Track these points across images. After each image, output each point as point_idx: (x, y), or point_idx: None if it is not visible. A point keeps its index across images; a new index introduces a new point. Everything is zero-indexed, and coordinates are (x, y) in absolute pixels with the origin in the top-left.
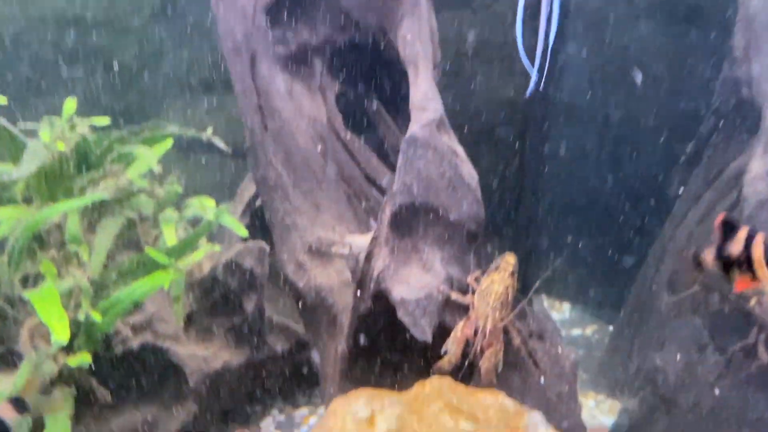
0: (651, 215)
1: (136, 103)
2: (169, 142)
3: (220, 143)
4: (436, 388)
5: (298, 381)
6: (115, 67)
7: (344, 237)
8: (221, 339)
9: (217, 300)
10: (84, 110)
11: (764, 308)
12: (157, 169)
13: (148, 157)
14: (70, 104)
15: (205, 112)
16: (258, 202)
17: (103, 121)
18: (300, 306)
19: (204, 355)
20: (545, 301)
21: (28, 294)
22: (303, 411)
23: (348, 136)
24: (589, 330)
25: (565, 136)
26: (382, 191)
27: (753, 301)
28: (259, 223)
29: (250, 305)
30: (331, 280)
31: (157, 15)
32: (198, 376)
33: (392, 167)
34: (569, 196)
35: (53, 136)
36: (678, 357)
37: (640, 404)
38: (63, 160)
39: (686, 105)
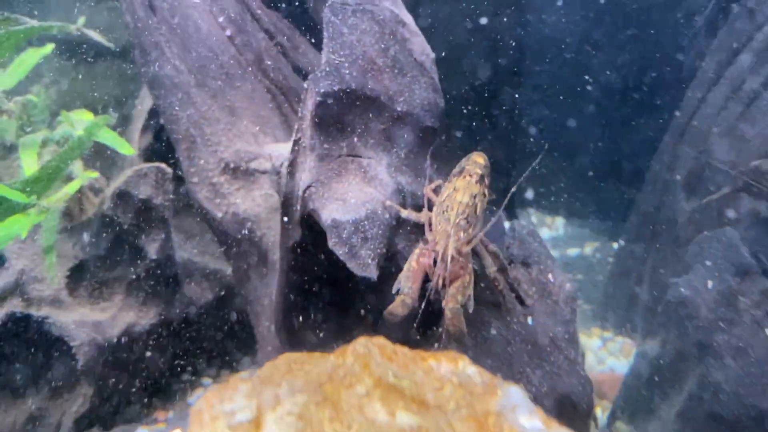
0: (663, 96)
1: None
2: (47, 49)
3: (97, 36)
4: (362, 356)
5: (235, 337)
6: None
7: (266, 146)
8: (122, 295)
9: (110, 244)
10: None
11: None
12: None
13: (9, 70)
14: None
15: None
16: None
17: None
18: (221, 242)
19: (96, 321)
20: (533, 217)
21: None
22: (243, 374)
23: (265, 13)
24: (589, 248)
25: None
26: (298, 83)
27: None
28: (168, 143)
29: (153, 247)
30: (256, 207)
31: None
32: (89, 348)
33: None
34: (559, 77)
35: None
36: (710, 284)
37: (663, 347)
38: None
39: None
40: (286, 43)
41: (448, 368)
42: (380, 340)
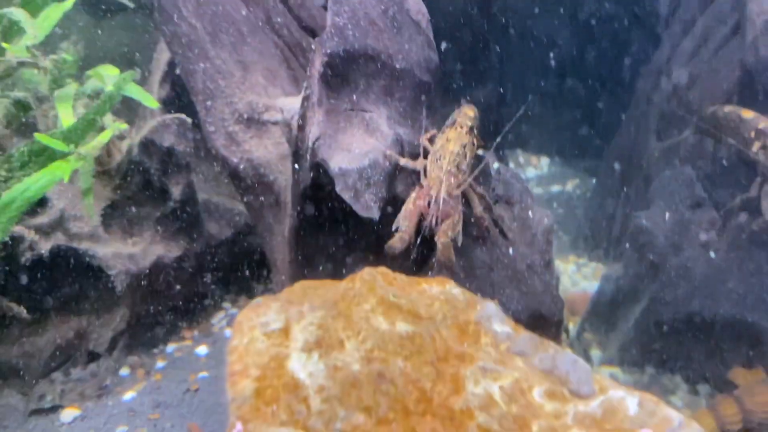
0: (637, 44)
1: None
2: (68, 4)
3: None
4: (368, 281)
5: (250, 267)
6: None
7: (277, 100)
8: (151, 231)
9: (139, 187)
10: None
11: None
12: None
13: (35, 25)
14: None
15: None
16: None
17: None
18: (237, 185)
19: (131, 253)
20: (521, 157)
21: None
22: (260, 300)
23: None
24: (570, 185)
25: None
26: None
27: (756, 147)
28: (186, 94)
29: (177, 189)
30: (268, 154)
31: None
32: (125, 277)
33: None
34: (543, 32)
35: None
36: (667, 215)
37: (625, 269)
38: None
39: None
40: (292, 0)
41: (438, 289)
42: (383, 269)
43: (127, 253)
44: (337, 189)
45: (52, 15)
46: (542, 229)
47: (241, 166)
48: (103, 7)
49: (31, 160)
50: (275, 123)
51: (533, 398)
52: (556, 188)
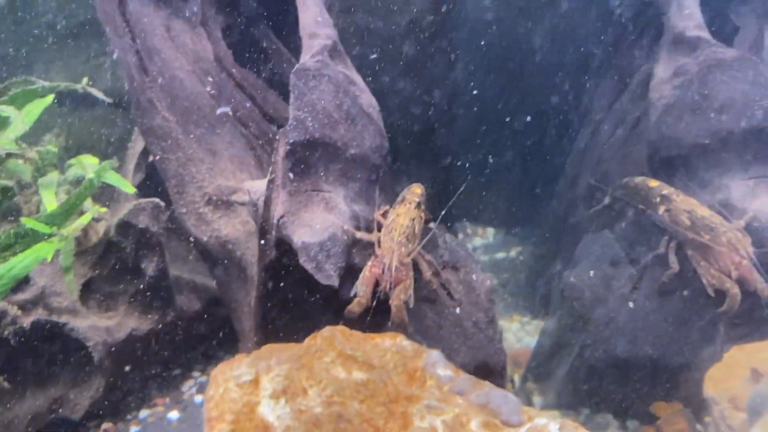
0: (567, 129)
1: (5, 54)
2: (48, 100)
3: (98, 94)
4: (327, 338)
5: (217, 339)
6: None
7: (244, 183)
8: (125, 306)
9: (115, 265)
10: None
11: (672, 217)
12: (29, 129)
13: (20, 119)
14: None
15: (85, 60)
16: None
17: None
18: (207, 261)
19: (107, 326)
20: (468, 228)
21: None
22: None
23: (239, 72)
24: (514, 252)
25: (472, 61)
26: (272, 121)
27: (661, 210)
28: (156, 178)
29: (150, 267)
30: (236, 231)
31: None
32: (102, 348)
33: (280, 90)
34: (481, 121)
35: None
36: (591, 273)
37: (558, 321)
38: None
39: (594, 12)
40: (256, 94)
41: (390, 342)
42: (341, 327)
43: (103, 326)
44: (301, 261)
45: (35, 109)
46: (485, 289)
47: (211, 244)
48: (81, 100)
49: (17, 242)
50: (243, 204)
51: (471, 429)
52: (500, 255)
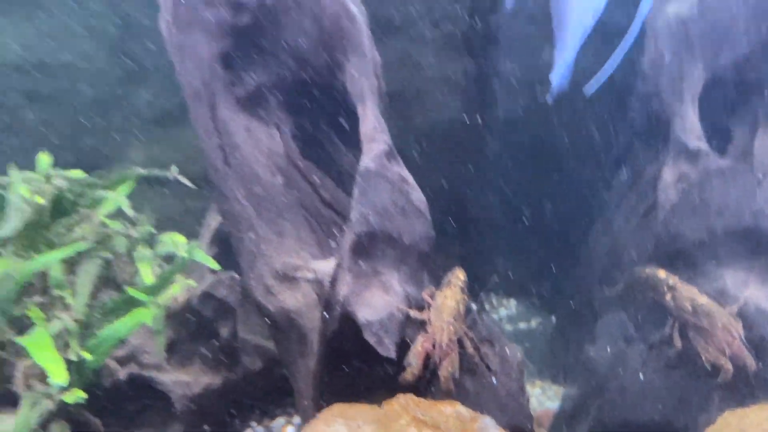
0: (586, 215)
1: (97, 142)
2: (133, 183)
3: (185, 180)
4: (402, 404)
5: (273, 394)
6: (74, 109)
7: (308, 262)
8: (200, 364)
9: (195, 328)
10: (43, 151)
11: (677, 303)
12: (129, 210)
13: (118, 200)
14: (45, 158)
15: (167, 146)
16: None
17: (78, 174)
18: (271, 327)
19: (186, 381)
20: (494, 299)
21: (21, 340)
22: (280, 421)
23: (305, 165)
24: (534, 322)
25: (504, 146)
26: (338, 214)
27: (668, 296)
28: (227, 249)
29: (225, 331)
30: (298, 302)
31: (112, 57)
32: (183, 400)
33: (346, 190)
34: (510, 201)
35: (32, 190)
36: (608, 348)
37: (578, 391)
38: (42, 212)
39: (611, 116)
40: (317, 184)
41: (450, 409)
42: (410, 395)
43: (183, 380)
44: (365, 335)
45: (123, 190)
46: (516, 362)
47: (275, 312)
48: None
49: (120, 307)
50: (307, 280)
51: None
52: (523, 325)
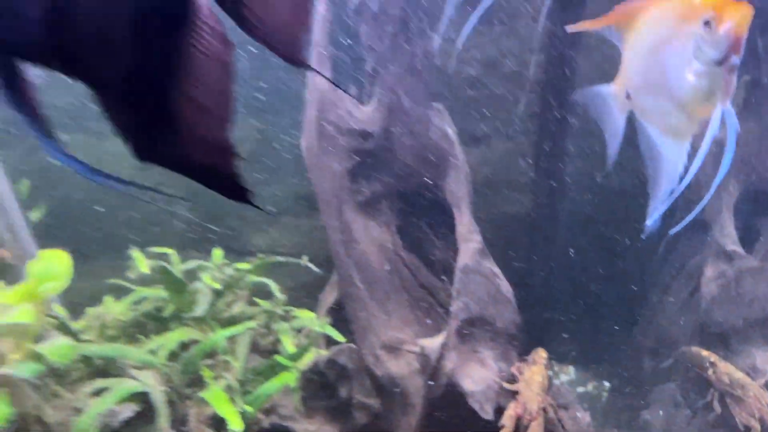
0: (639, 297)
1: (233, 229)
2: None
3: (312, 266)
4: None
5: None
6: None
7: (411, 337)
8: (323, 416)
9: (319, 387)
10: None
11: (717, 376)
12: (277, 292)
13: (270, 285)
14: (218, 253)
15: (284, 232)
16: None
17: (244, 265)
18: (378, 389)
19: (313, 430)
20: (555, 366)
21: (203, 394)
22: None
23: (407, 256)
24: (590, 386)
25: (571, 236)
26: (433, 297)
27: (710, 372)
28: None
29: (343, 391)
30: (402, 370)
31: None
32: None
33: (438, 276)
34: (572, 278)
35: (211, 277)
36: (660, 412)
37: None
38: (217, 295)
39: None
40: (417, 272)
41: None
42: None
43: (311, 429)
44: (469, 402)
45: (262, 272)
46: (585, 424)
47: (383, 377)
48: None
49: (268, 370)
50: (411, 352)
51: None
52: (581, 390)
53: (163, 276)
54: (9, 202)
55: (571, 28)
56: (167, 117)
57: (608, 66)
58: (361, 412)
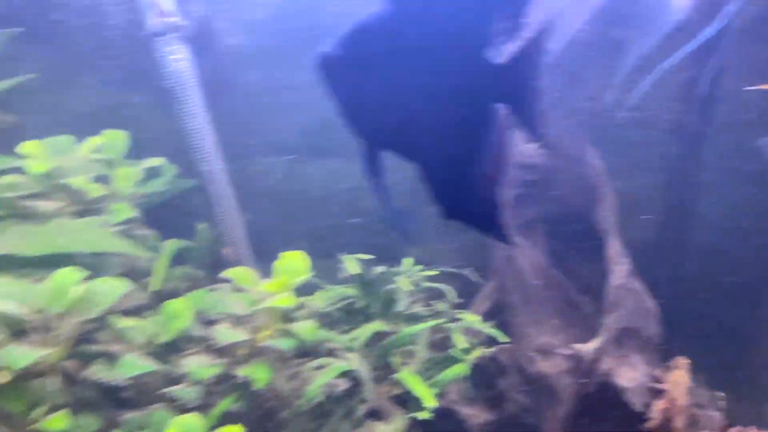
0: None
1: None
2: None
3: (474, 278)
4: None
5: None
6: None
7: (561, 343)
8: (481, 404)
9: (479, 380)
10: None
11: None
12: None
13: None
14: (409, 261)
15: (440, 250)
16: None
17: (432, 271)
18: (529, 385)
19: (475, 414)
20: None
21: (398, 375)
22: None
23: (556, 274)
24: None
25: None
26: (579, 309)
27: None
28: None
29: (499, 384)
30: (552, 369)
31: None
32: (474, 428)
33: (583, 294)
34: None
35: (402, 280)
36: None
37: None
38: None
39: None
40: (563, 284)
41: None
42: None
43: (473, 414)
44: (625, 397)
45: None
46: (717, 421)
47: (535, 374)
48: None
49: (442, 362)
50: (565, 355)
51: None
52: None
53: (356, 277)
54: (231, 205)
55: (750, 89)
56: (468, 188)
57: None
58: (512, 404)
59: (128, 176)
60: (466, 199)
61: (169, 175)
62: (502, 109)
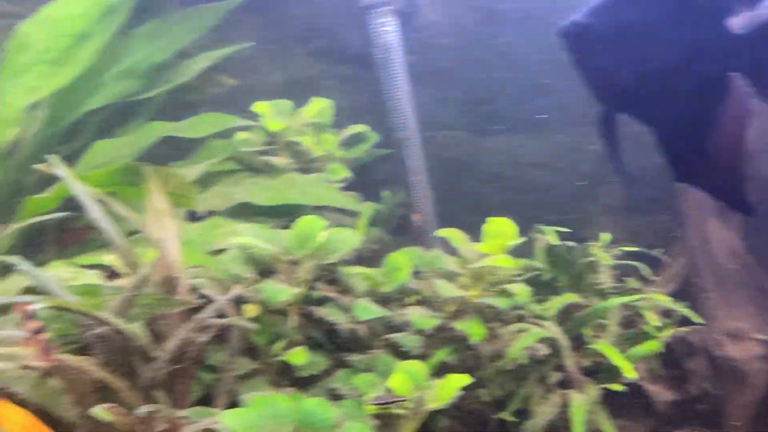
0: None
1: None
2: None
3: (664, 258)
4: None
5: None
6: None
7: (754, 328)
8: (664, 382)
9: (666, 359)
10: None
11: None
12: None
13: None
14: (606, 237)
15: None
16: None
17: (632, 248)
18: (715, 368)
19: (660, 391)
20: None
21: (595, 345)
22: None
23: (752, 260)
24: None
25: None
26: None
27: None
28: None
29: (686, 365)
30: (741, 354)
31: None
32: (660, 404)
33: None
34: None
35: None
36: None
37: None
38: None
39: None
40: (758, 271)
41: None
42: None
43: (658, 391)
44: None
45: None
46: None
47: (721, 358)
48: None
49: (634, 337)
50: (757, 340)
51: None
52: None
53: (546, 249)
54: (419, 174)
55: None
56: (702, 153)
57: None
58: (695, 386)
59: (336, 141)
60: (704, 164)
61: (372, 142)
62: (740, 78)
